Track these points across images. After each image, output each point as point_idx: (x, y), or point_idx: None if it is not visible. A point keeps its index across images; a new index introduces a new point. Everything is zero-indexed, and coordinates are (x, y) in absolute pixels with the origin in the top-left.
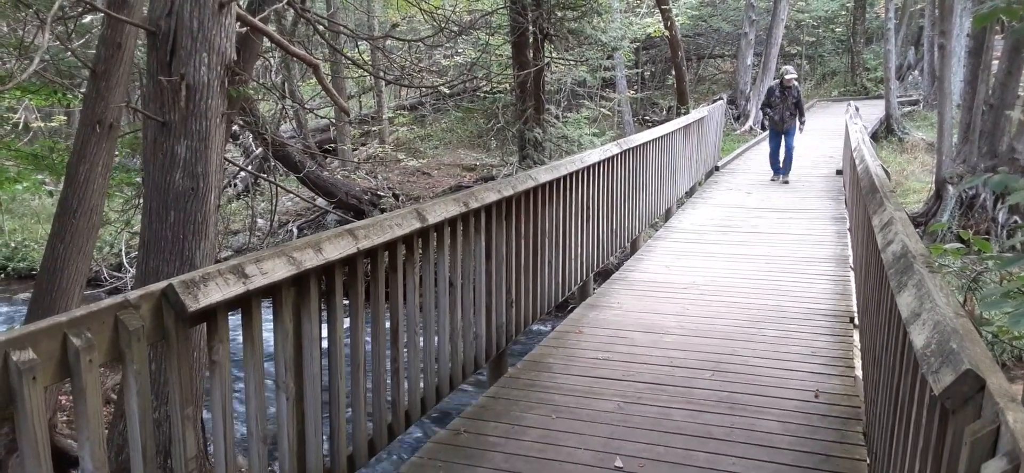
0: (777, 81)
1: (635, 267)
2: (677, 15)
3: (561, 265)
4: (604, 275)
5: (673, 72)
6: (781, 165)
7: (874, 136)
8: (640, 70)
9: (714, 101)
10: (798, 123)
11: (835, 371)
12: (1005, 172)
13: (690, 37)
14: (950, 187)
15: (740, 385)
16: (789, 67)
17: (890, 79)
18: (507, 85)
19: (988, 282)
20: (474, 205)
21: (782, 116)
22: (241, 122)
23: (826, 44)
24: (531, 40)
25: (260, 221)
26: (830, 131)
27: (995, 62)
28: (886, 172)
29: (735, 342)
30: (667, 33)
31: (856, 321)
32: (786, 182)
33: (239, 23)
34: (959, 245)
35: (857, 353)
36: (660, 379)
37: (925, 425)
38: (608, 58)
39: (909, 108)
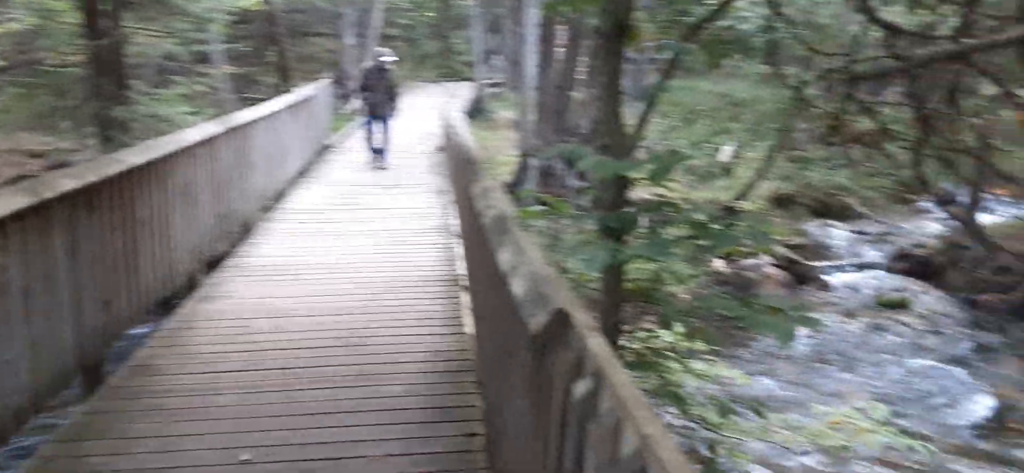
0: (373, 64)
1: (251, 252)
2: None
3: (164, 257)
4: (216, 263)
5: (273, 48)
6: (380, 147)
7: (467, 115)
8: (238, 45)
9: (320, 80)
10: (392, 106)
11: (449, 330)
12: (573, 144)
13: (290, 13)
14: (531, 159)
15: (366, 356)
16: (385, 49)
17: (477, 63)
18: (78, 57)
19: (567, 237)
20: (48, 195)
21: (379, 100)
22: None
23: (420, 28)
24: (106, 7)
25: None
26: (429, 110)
27: (560, 50)
28: (479, 148)
29: (359, 316)
30: (264, 6)
31: (465, 283)
32: (387, 166)
33: None
34: (542, 207)
35: (467, 312)
36: (287, 363)
37: (530, 363)
38: (201, 31)
39: (496, 89)
